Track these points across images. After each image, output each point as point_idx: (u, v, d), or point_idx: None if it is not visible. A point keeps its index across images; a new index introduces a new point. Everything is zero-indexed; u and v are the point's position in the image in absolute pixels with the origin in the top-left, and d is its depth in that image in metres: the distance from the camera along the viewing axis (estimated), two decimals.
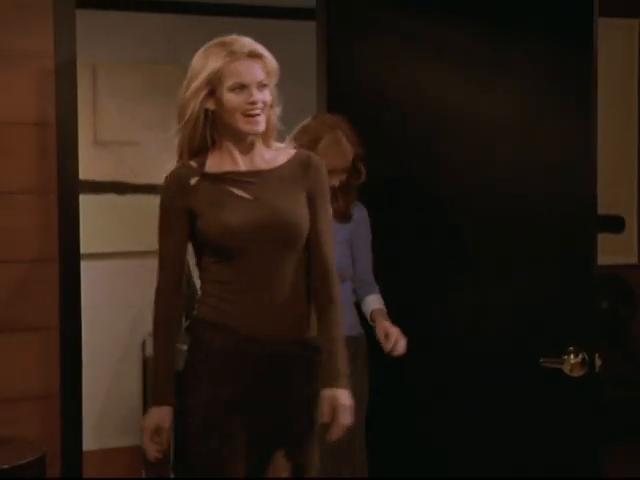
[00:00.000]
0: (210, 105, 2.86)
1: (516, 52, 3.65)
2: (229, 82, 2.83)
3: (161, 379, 2.90)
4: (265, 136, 2.92)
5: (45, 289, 3.69)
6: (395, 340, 3.44)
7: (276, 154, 2.95)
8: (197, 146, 2.91)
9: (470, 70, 3.70)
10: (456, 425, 3.66)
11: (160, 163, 5.70)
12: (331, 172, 3.29)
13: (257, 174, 2.89)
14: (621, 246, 4.26)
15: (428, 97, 3.76)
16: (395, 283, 3.73)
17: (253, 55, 2.86)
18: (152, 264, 5.66)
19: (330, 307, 2.92)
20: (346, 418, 2.84)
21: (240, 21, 5.82)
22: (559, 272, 3.58)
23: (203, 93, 2.84)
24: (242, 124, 2.84)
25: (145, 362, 5.71)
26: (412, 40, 3.76)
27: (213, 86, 2.84)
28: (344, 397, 2.85)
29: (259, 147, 2.92)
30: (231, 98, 2.83)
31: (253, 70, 2.85)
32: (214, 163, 2.89)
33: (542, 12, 3.61)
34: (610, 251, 4.02)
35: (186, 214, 2.88)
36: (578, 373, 3.33)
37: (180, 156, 2.94)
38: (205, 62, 2.85)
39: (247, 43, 2.86)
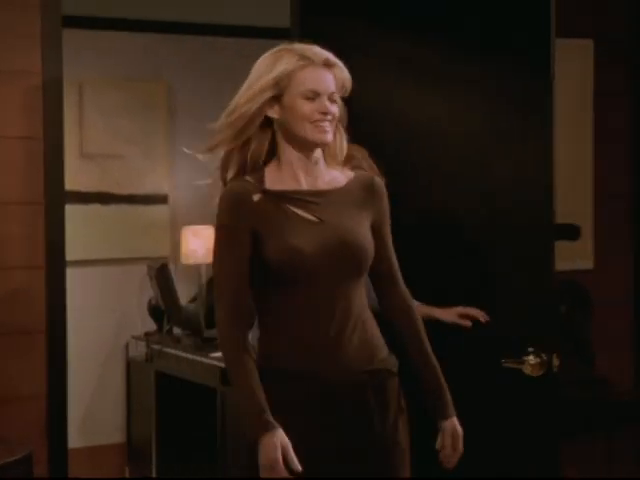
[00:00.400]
0: (273, 113, 2.52)
1: (482, 72, 3.66)
2: (302, 88, 2.49)
3: (260, 410, 2.42)
4: (331, 153, 2.60)
5: (32, 294, 3.68)
6: (478, 312, 3.40)
7: (336, 175, 2.61)
8: (249, 159, 2.54)
9: (439, 89, 3.71)
10: (418, 423, 3.65)
11: (143, 175, 5.78)
12: None
13: (320, 194, 2.54)
14: (578, 253, 4.28)
15: (400, 113, 3.76)
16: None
17: (328, 64, 2.54)
18: (135, 270, 5.72)
19: (419, 336, 2.67)
20: (461, 445, 2.72)
21: (219, 40, 5.85)
22: (519, 278, 3.59)
23: (267, 96, 2.50)
24: (311, 133, 2.49)
25: (129, 364, 5.69)
26: (384, 58, 3.76)
27: (280, 90, 2.50)
28: (458, 425, 2.70)
29: (321, 165, 2.58)
30: (302, 105, 2.49)
31: (327, 80, 2.52)
32: (273, 180, 2.53)
33: (505, 34, 3.62)
34: (567, 257, 4.04)
35: (250, 233, 2.48)
36: (537, 373, 3.33)
37: (224, 169, 2.57)
38: (273, 65, 2.51)
39: (321, 51, 2.54)
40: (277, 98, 2.50)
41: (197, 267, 5.62)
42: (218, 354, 4.87)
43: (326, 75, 2.52)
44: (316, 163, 2.55)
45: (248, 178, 2.52)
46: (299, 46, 2.54)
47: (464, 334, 3.58)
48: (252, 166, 2.53)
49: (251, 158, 2.53)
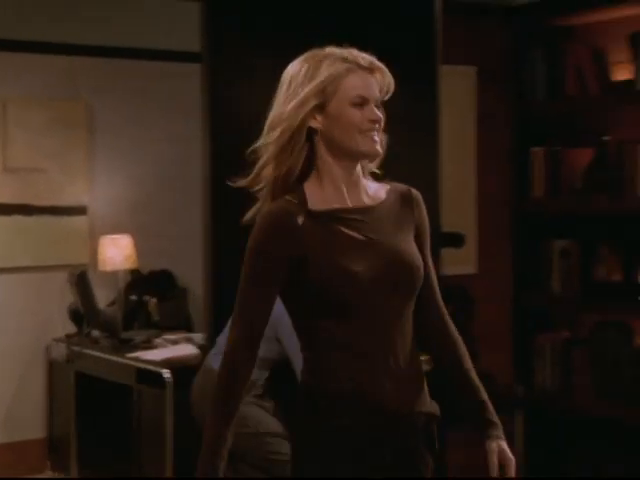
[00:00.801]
0: (315, 123, 2.11)
1: None
2: (350, 94, 2.09)
3: (212, 450, 2.08)
4: (377, 163, 2.22)
5: None
6: None
7: (376, 187, 2.21)
8: (288, 176, 2.12)
9: None
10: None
11: (63, 188, 5.71)
12: None
13: (365, 211, 2.14)
14: (462, 259, 4.34)
15: None
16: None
17: (373, 68, 2.15)
18: (56, 277, 5.66)
19: (462, 355, 2.26)
20: (513, 473, 2.18)
21: (136, 62, 5.83)
22: None
23: (311, 105, 2.09)
24: (363, 145, 2.10)
25: (50, 364, 5.61)
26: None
27: (325, 98, 2.10)
28: (509, 450, 2.20)
29: (362, 179, 2.17)
30: (351, 113, 2.09)
31: (373, 85, 2.13)
32: (316, 198, 2.11)
33: (397, 60, 3.67)
34: (453, 263, 4.11)
35: (288, 261, 2.08)
36: (426, 369, 3.35)
37: (269, 183, 2.14)
38: (315, 70, 2.11)
39: (363, 54, 2.16)
40: (320, 107, 2.11)
41: (115, 273, 5.59)
42: (134, 354, 4.83)
43: (372, 80, 2.14)
44: (358, 176, 2.16)
45: (289, 198, 2.10)
46: (337, 50, 2.17)
47: None
48: (285, 183, 2.12)
49: (286, 174, 2.12)
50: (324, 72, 2.10)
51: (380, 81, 2.15)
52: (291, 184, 2.12)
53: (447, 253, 3.87)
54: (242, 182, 2.19)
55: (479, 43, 4.33)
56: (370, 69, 2.13)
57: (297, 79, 2.12)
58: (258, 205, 2.18)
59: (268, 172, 2.13)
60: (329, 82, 2.09)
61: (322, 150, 2.12)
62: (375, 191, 2.19)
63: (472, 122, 4.37)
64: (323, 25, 3.76)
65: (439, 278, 3.64)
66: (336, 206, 2.12)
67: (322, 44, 3.70)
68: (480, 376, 4.34)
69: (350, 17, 3.73)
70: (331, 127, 2.10)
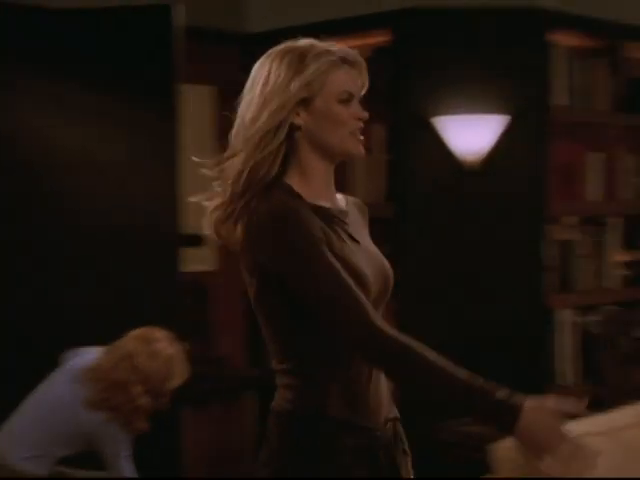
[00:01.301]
0: (298, 120, 1.85)
1: (123, 109, 3.84)
2: (338, 89, 1.86)
3: (486, 390, 1.73)
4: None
5: None
6: None
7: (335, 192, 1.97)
8: (265, 171, 1.83)
9: (86, 120, 3.85)
10: None
11: None
12: None
13: (344, 214, 1.92)
14: (204, 258, 4.47)
15: (53, 142, 3.86)
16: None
17: (356, 62, 1.90)
18: None
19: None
20: None
21: None
22: (152, 276, 3.80)
23: (297, 99, 1.84)
24: (350, 145, 1.87)
25: None
26: (40, 96, 3.85)
27: (310, 93, 1.84)
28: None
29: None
30: (339, 110, 1.86)
31: (356, 79, 1.90)
32: (306, 195, 1.86)
33: (142, 78, 3.83)
34: (194, 261, 4.27)
35: None
36: None
37: (238, 184, 1.83)
38: (300, 62, 1.83)
39: (344, 47, 1.90)
40: (304, 102, 1.85)
41: None
42: None
43: (354, 73, 1.90)
44: (332, 177, 1.93)
45: (278, 193, 1.82)
46: (317, 42, 1.89)
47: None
48: (261, 177, 1.84)
49: (262, 169, 1.84)
50: (310, 65, 1.84)
51: (359, 76, 1.91)
52: (268, 179, 1.84)
53: (189, 253, 4.04)
54: (208, 164, 1.90)
55: (219, 66, 4.50)
56: (352, 63, 1.90)
57: (279, 73, 1.84)
58: (209, 194, 1.90)
59: (238, 164, 1.84)
60: (316, 76, 1.84)
61: (305, 148, 1.87)
62: (337, 195, 1.97)
63: (210, 135, 4.51)
64: (78, 43, 3.84)
65: (178, 273, 3.82)
66: (325, 204, 1.89)
67: (74, 62, 3.79)
68: (214, 359, 4.50)
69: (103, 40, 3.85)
70: (316, 125, 1.86)
